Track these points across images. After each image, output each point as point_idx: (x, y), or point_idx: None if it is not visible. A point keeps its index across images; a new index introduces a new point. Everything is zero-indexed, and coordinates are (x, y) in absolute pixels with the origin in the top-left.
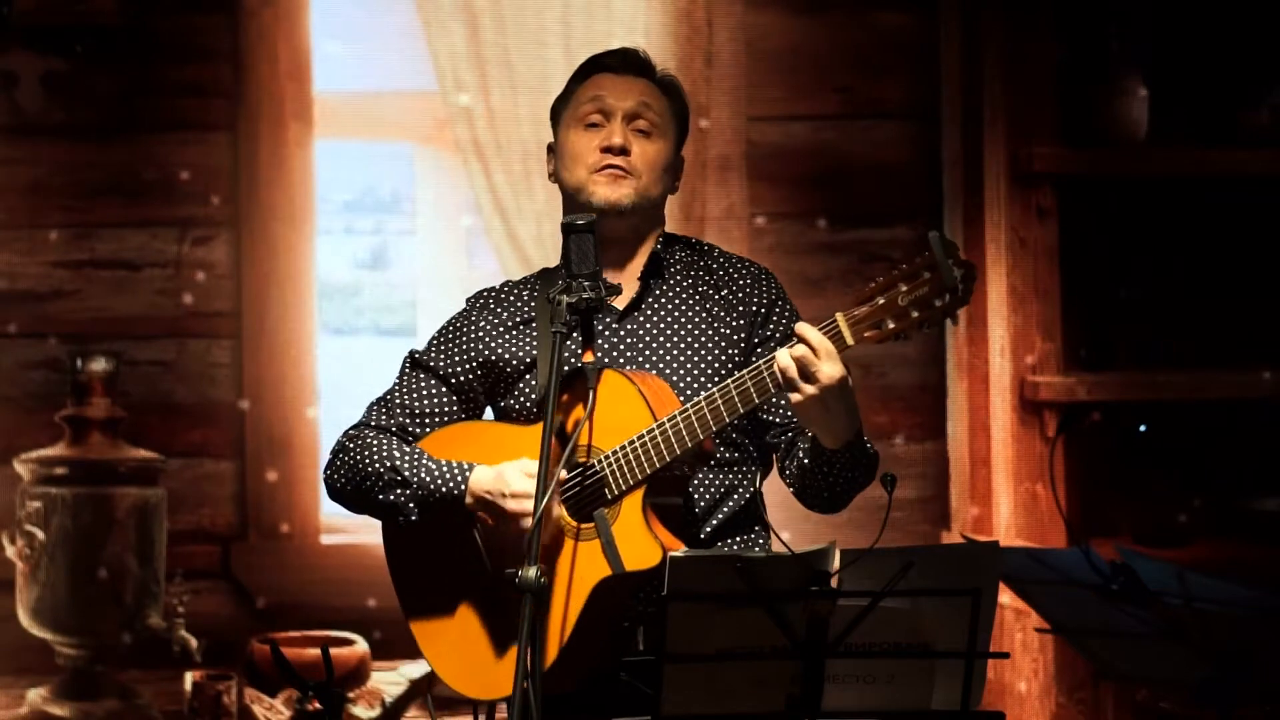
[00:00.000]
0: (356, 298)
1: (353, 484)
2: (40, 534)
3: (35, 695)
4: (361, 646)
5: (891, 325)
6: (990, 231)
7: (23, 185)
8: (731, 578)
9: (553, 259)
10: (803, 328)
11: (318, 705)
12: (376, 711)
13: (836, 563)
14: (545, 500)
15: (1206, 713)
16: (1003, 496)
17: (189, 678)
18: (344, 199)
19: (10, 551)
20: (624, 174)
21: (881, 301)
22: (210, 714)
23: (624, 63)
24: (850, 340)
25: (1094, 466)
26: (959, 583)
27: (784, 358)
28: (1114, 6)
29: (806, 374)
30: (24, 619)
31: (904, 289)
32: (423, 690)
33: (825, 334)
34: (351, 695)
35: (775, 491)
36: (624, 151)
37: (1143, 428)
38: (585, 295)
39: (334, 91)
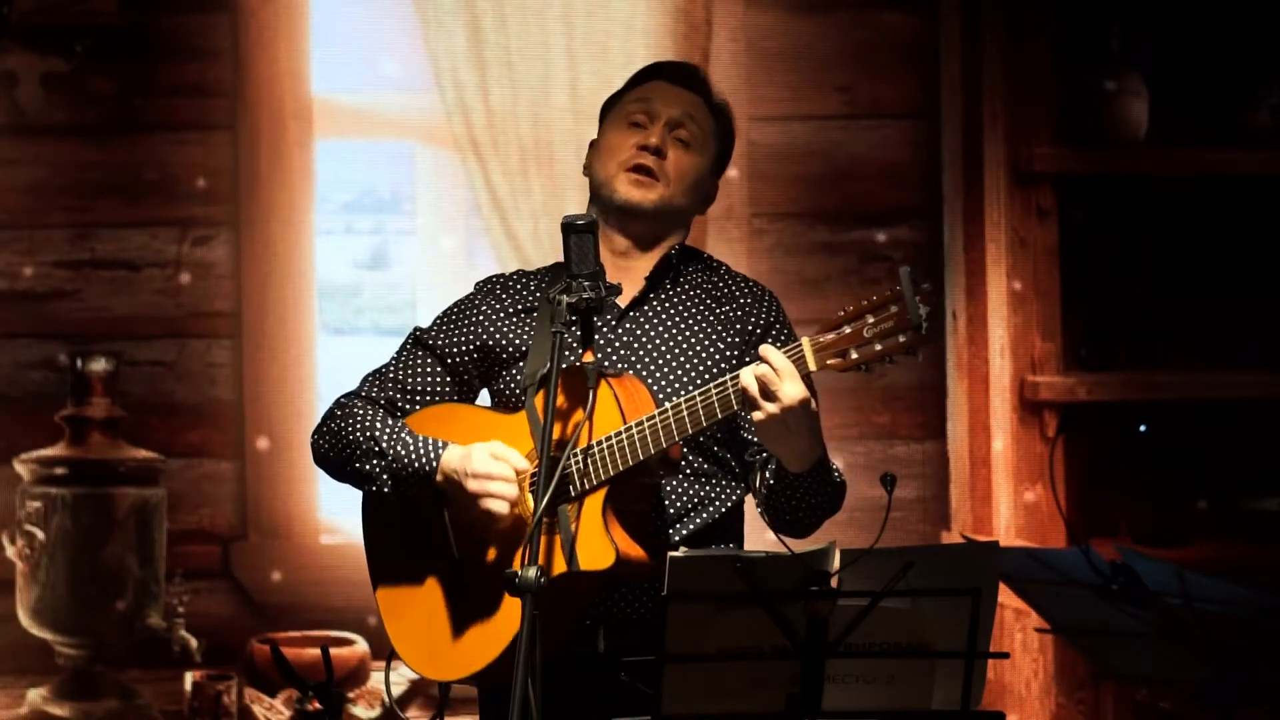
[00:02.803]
0: (356, 298)
1: (334, 450)
2: (40, 534)
3: (35, 695)
4: (361, 646)
5: (855, 355)
6: (990, 231)
7: (23, 185)
8: (731, 578)
9: (551, 258)
10: (766, 349)
11: (318, 705)
12: (376, 711)
13: (836, 563)
14: (544, 501)
15: (1206, 713)
16: (1003, 496)
17: (189, 678)
18: (344, 199)
19: (10, 551)
20: (652, 179)
21: (848, 331)
22: (210, 714)
23: (681, 75)
24: (813, 366)
25: (1094, 466)
26: (959, 583)
27: (746, 375)
28: (1114, 6)
29: (767, 393)
30: (24, 619)
31: (870, 320)
32: (423, 690)
33: (789, 357)
34: (351, 695)
35: None
36: (659, 153)
37: (1143, 428)
38: (585, 295)
39: (334, 91)
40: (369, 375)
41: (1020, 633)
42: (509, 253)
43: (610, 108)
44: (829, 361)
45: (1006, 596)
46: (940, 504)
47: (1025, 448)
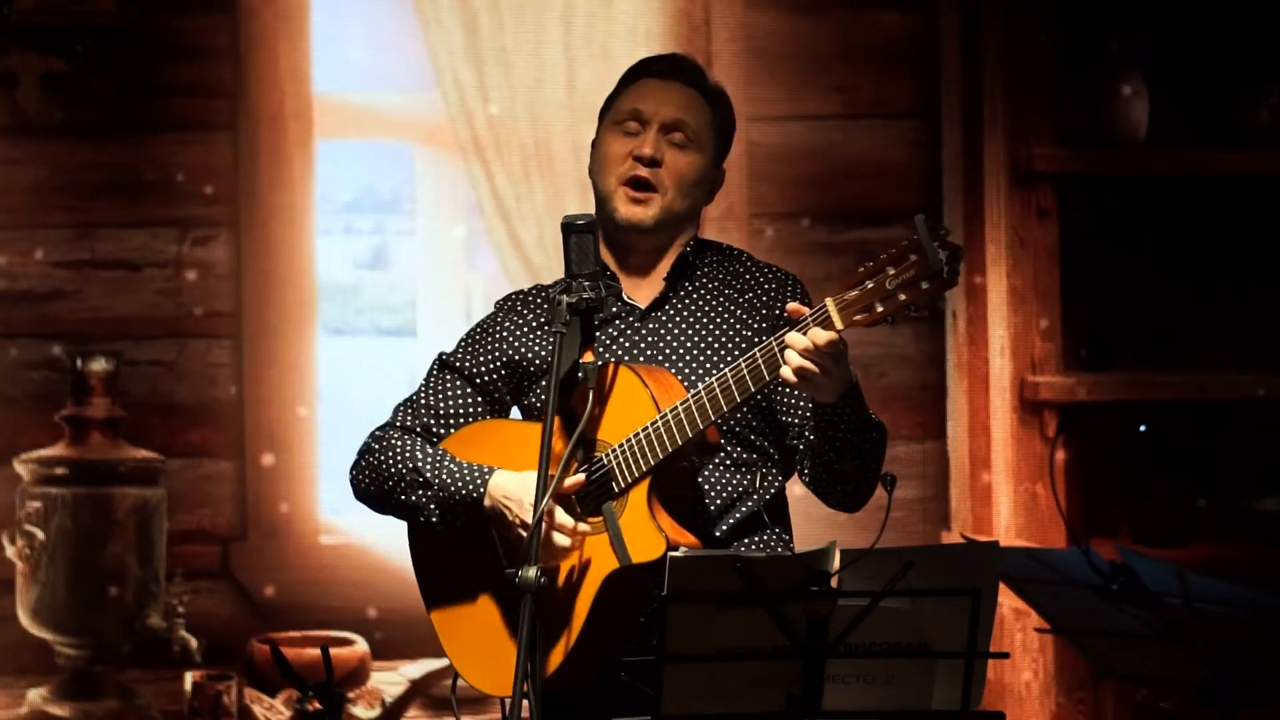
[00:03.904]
0: (356, 298)
1: (376, 484)
2: (40, 534)
3: (35, 695)
4: (361, 646)
5: (880, 309)
6: (990, 231)
7: (23, 185)
8: (731, 578)
9: (554, 260)
10: (792, 337)
11: (318, 705)
12: (376, 711)
13: (836, 563)
14: (545, 500)
15: (1206, 713)
16: (1003, 496)
17: (189, 678)
18: (344, 199)
19: (10, 551)
20: (648, 193)
21: (870, 285)
22: (210, 714)
23: (672, 69)
24: (840, 324)
25: (1094, 466)
26: (959, 583)
27: (788, 374)
28: (1114, 6)
29: (814, 379)
30: (24, 619)
31: (891, 272)
32: (423, 690)
33: (815, 319)
34: (351, 695)
35: None
36: (654, 163)
37: (1143, 428)
38: (585, 295)
39: (334, 91)
40: (399, 405)
41: (1020, 633)
42: (510, 253)
43: (606, 109)
44: (855, 318)
45: (1006, 596)
46: (940, 504)
47: (1025, 448)
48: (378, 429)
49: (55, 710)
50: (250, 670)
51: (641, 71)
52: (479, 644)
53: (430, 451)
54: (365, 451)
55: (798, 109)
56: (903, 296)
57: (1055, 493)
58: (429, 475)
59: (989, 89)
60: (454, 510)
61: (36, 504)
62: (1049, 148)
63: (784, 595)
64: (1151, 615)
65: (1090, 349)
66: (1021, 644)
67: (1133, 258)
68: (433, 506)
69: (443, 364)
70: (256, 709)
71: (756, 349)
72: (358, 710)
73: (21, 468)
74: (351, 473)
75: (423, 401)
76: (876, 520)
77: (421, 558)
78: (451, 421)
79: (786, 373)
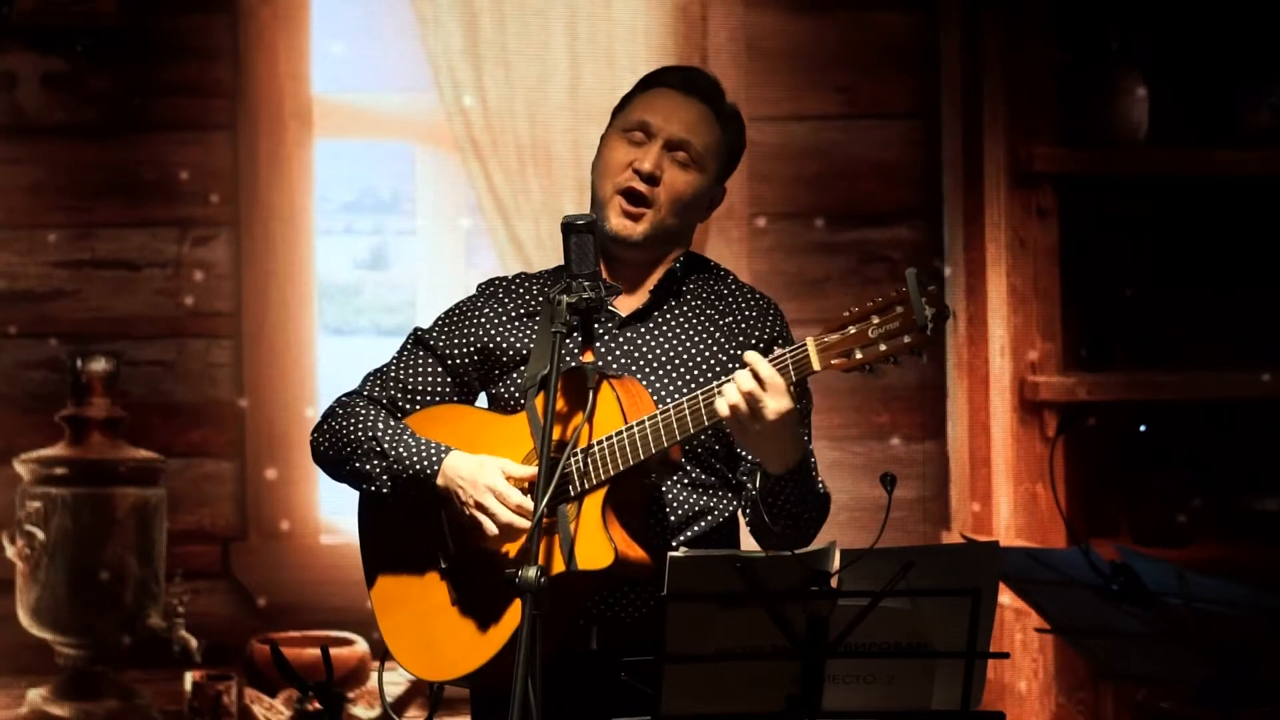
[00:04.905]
0: (356, 298)
1: (334, 448)
2: (40, 534)
3: (35, 695)
4: (361, 646)
5: (859, 356)
6: (990, 231)
7: (23, 185)
8: (731, 578)
9: (553, 259)
10: (752, 357)
11: (318, 705)
12: (376, 711)
13: (836, 563)
14: (544, 501)
15: (1206, 713)
16: (1003, 496)
17: (189, 678)
18: (344, 199)
19: (10, 551)
20: (641, 207)
21: (852, 331)
22: (210, 714)
23: (687, 83)
24: (817, 366)
25: (1094, 466)
26: (959, 583)
27: (732, 393)
28: (1114, 6)
29: (755, 411)
30: (24, 619)
31: (875, 321)
32: (423, 690)
33: (794, 357)
34: (351, 695)
35: None
36: (651, 179)
37: (1143, 428)
38: (585, 295)
39: (334, 91)
40: (370, 375)
41: (1020, 633)
42: (510, 252)
43: (617, 111)
44: (833, 361)
45: (1006, 596)
46: (940, 504)
47: (1025, 448)
48: (344, 395)
49: (55, 710)
50: (250, 670)
51: (657, 81)
52: (415, 626)
53: (392, 424)
54: (329, 415)
55: (798, 109)
56: (883, 347)
57: (1055, 493)
58: (386, 446)
59: (989, 89)
60: (406, 484)
61: (36, 504)
62: (1049, 148)
63: (784, 595)
64: (1151, 615)
65: (1090, 349)
66: (1021, 644)
67: (1133, 258)
68: (385, 478)
69: (417, 340)
70: (256, 709)
71: (732, 377)
72: (358, 710)
73: (21, 468)
74: (313, 435)
75: (392, 374)
76: (876, 520)
77: (368, 533)
78: (418, 398)
79: (720, 405)
